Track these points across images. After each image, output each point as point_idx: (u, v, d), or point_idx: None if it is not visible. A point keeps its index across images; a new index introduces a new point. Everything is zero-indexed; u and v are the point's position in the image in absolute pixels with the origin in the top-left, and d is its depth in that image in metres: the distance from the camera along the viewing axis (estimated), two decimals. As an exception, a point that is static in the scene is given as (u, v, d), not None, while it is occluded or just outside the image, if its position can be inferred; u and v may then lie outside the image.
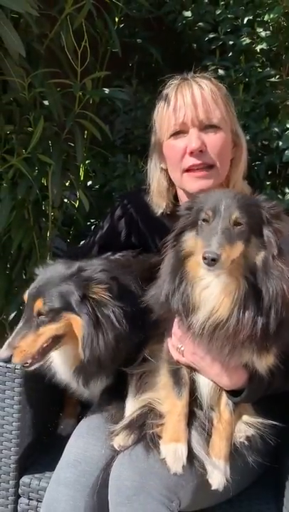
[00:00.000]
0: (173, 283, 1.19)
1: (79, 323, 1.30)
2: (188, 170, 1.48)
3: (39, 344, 1.29)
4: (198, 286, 1.16)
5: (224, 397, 1.28)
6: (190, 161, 1.46)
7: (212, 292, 1.15)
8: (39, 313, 1.29)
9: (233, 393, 1.26)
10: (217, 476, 1.25)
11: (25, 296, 1.34)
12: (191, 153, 1.45)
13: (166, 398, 1.31)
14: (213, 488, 1.24)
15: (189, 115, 1.45)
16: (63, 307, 1.30)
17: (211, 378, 1.27)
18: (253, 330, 1.11)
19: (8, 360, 1.26)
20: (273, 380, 1.24)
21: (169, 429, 1.27)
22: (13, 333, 1.29)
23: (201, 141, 1.45)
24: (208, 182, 1.46)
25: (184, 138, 1.48)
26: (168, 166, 1.56)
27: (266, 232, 1.15)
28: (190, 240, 1.20)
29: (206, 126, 1.47)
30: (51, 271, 1.36)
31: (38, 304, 1.29)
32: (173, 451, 1.24)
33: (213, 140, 1.46)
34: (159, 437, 1.28)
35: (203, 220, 1.14)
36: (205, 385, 1.29)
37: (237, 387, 1.25)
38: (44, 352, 1.31)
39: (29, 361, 1.29)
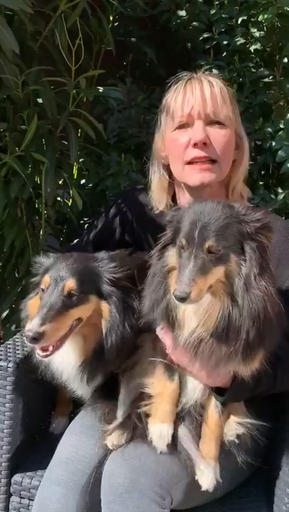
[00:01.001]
0: (157, 293, 1.19)
1: (107, 307, 1.29)
2: (190, 162, 1.47)
3: (67, 326, 1.24)
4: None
5: (213, 398, 1.29)
6: (193, 152, 1.45)
7: (196, 310, 1.14)
8: (70, 295, 1.25)
9: (219, 392, 1.27)
10: (207, 477, 1.26)
11: (47, 279, 1.27)
12: (195, 145, 1.44)
13: (157, 380, 1.32)
14: (203, 488, 1.25)
15: (196, 108, 1.45)
16: (92, 290, 1.28)
17: (192, 375, 1.27)
18: (235, 345, 1.11)
19: (39, 338, 1.16)
20: (260, 381, 1.25)
21: (157, 409, 1.29)
22: (42, 310, 1.20)
23: (206, 134, 1.44)
24: (210, 175, 1.45)
25: (189, 130, 1.47)
26: (170, 159, 1.55)
27: (247, 249, 1.12)
28: (172, 257, 1.19)
29: (212, 122, 1.46)
30: (72, 257, 1.33)
31: (70, 285, 1.25)
32: (159, 431, 1.26)
33: (218, 135, 1.46)
34: (147, 416, 1.29)
35: (180, 247, 1.13)
36: (192, 388, 1.30)
37: (221, 385, 1.25)
38: (64, 338, 1.25)
39: (51, 348, 1.22)
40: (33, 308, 1.35)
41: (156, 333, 1.29)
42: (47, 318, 1.18)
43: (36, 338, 1.16)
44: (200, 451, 1.28)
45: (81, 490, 1.30)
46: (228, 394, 1.24)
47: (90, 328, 1.31)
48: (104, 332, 1.29)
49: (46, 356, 1.23)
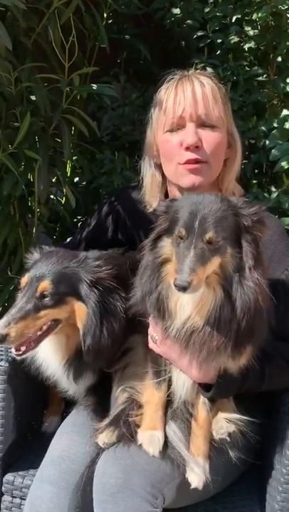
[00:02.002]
0: (150, 284, 1.19)
1: (83, 310, 1.28)
2: (183, 163, 1.47)
3: (38, 327, 1.24)
4: (174, 294, 1.15)
5: (201, 396, 1.29)
6: (186, 155, 1.45)
7: (188, 301, 1.14)
8: (42, 296, 1.25)
9: (206, 388, 1.27)
10: (196, 475, 1.26)
11: (25, 279, 1.28)
12: (187, 149, 1.45)
13: (145, 388, 1.33)
14: (192, 486, 1.25)
15: (188, 110, 1.45)
16: (69, 292, 1.27)
17: (181, 369, 1.27)
18: (226, 336, 1.12)
19: (3, 340, 1.18)
20: (247, 377, 1.25)
21: (147, 418, 1.30)
22: (10, 312, 1.22)
23: (198, 137, 1.44)
24: (201, 177, 1.46)
25: (181, 132, 1.47)
26: (162, 159, 1.55)
27: (244, 242, 1.13)
28: (167, 247, 1.19)
29: (204, 123, 1.46)
30: (56, 255, 1.32)
31: (44, 286, 1.25)
32: (149, 437, 1.27)
33: (210, 137, 1.46)
34: (137, 426, 1.30)
35: (178, 237, 1.13)
36: (180, 386, 1.30)
37: (207, 381, 1.25)
38: (39, 339, 1.26)
39: (23, 348, 1.23)
40: None
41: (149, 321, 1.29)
42: (12, 320, 1.20)
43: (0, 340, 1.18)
44: (190, 450, 1.28)
45: (73, 489, 1.30)
46: (214, 389, 1.24)
47: (72, 328, 1.30)
48: (80, 334, 1.29)
49: (19, 355, 1.25)
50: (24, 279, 1.29)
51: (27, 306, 1.23)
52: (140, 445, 1.27)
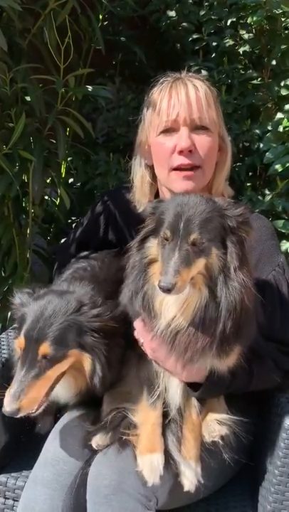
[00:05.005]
0: (136, 284, 1.20)
1: (88, 360, 1.24)
2: (175, 168, 1.47)
3: (48, 387, 1.20)
4: (160, 294, 1.14)
5: (192, 398, 1.29)
6: (178, 159, 1.45)
7: (173, 301, 1.15)
8: (45, 357, 1.18)
9: (195, 387, 1.27)
10: (189, 477, 1.26)
11: (21, 342, 1.20)
12: (181, 152, 1.45)
13: (139, 409, 1.32)
14: (185, 489, 1.26)
15: (182, 114, 1.45)
16: (72, 345, 1.22)
17: (167, 369, 1.27)
18: (211, 337, 1.12)
19: (16, 414, 1.14)
20: (236, 377, 1.26)
21: (144, 439, 1.28)
22: (16, 382, 1.16)
23: (191, 141, 1.45)
24: (193, 184, 1.46)
25: (174, 136, 1.47)
26: (154, 163, 1.55)
27: (229, 243, 1.13)
28: (153, 248, 1.19)
29: (197, 127, 1.46)
30: (48, 307, 1.23)
31: (44, 349, 1.18)
32: (149, 463, 1.24)
33: (203, 141, 1.46)
34: (135, 447, 1.28)
35: (164, 238, 1.13)
36: (174, 392, 1.30)
37: (196, 380, 1.26)
38: (49, 392, 1.23)
39: (35, 407, 1.19)
40: None
41: (134, 325, 1.29)
42: (20, 393, 1.15)
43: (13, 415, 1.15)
44: (182, 452, 1.28)
45: (67, 491, 1.29)
46: (202, 389, 1.25)
47: (77, 370, 1.27)
48: (88, 379, 1.27)
49: (33, 414, 1.21)
50: (21, 341, 1.21)
51: (30, 371, 1.17)
52: (141, 472, 1.24)
